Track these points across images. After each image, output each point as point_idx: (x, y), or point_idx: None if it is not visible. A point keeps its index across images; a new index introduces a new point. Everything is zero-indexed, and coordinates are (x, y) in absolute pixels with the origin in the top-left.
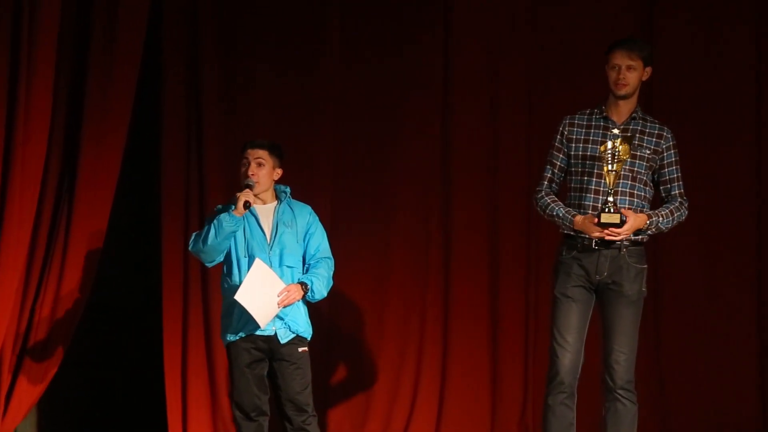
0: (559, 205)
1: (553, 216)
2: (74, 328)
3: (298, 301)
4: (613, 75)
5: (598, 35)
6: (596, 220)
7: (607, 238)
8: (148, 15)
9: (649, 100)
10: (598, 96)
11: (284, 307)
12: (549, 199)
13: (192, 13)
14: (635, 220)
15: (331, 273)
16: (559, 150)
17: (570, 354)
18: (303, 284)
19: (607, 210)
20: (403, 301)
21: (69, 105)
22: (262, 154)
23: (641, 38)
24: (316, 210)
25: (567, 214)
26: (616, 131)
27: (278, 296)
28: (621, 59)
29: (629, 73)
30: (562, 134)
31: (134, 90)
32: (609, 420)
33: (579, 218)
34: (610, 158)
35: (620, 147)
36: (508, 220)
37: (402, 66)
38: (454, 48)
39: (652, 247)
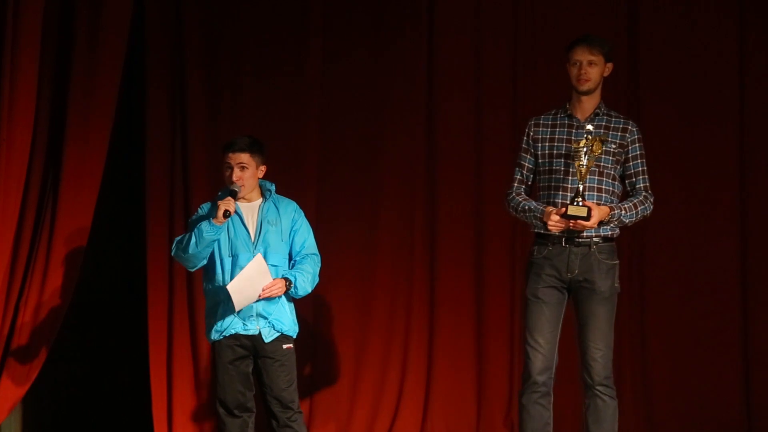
0: (530, 201)
1: (525, 211)
2: (59, 326)
3: (281, 296)
4: (574, 71)
5: (582, 27)
6: (564, 211)
7: (572, 227)
8: (132, 17)
9: (636, 84)
10: None
11: (264, 299)
12: (520, 198)
13: (175, 16)
14: (599, 212)
15: (317, 269)
16: (526, 152)
17: (541, 355)
18: (287, 280)
19: (576, 204)
20: (389, 297)
21: (52, 105)
22: (245, 157)
23: (627, 21)
24: (303, 207)
25: (539, 206)
26: (590, 127)
27: (263, 289)
28: (582, 55)
29: (591, 68)
30: (528, 136)
31: (117, 91)
32: (590, 417)
33: (550, 208)
34: (582, 154)
35: (594, 144)
36: (493, 215)
37: (385, 64)
38: (437, 44)
39: (638, 243)
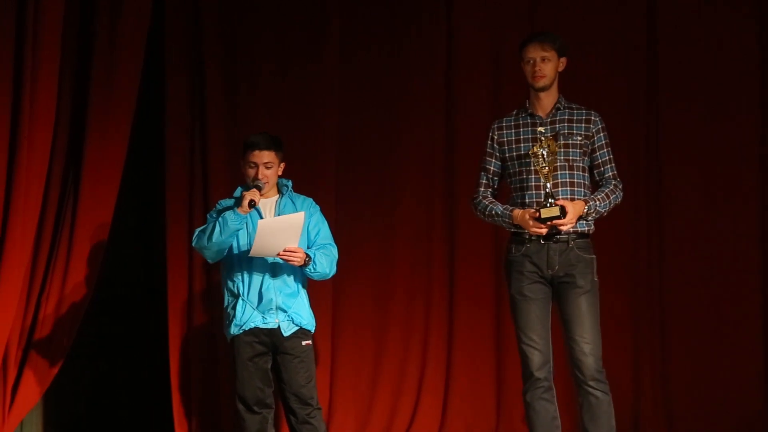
0: (497, 204)
1: (492, 216)
2: (79, 321)
3: (299, 289)
4: (528, 69)
5: (601, 19)
6: (537, 214)
7: (562, 229)
8: (151, 12)
9: (656, 80)
10: (601, 79)
11: (283, 292)
12: (486, 201)
13: (194, 11)
14: (574, 208)
15: (335, 259)
16: (491, 155)
17: (538, 351)
18: (306, 255)
19: (548, 205)
20: (408, 290)
21: (73, 99)
22: (269, 156)
23: (645, 21)
24: (320, 201)
25: (505, 211)
26: (541, 129)
27: (284, 250)
28: (534, 52)
29: (544, 64)
30: (492, 139)
31: (138, 84)
32: (585, 415)
33: (517, 212)
34: (540, 157)
35: (547, 144)
36: None
37: (404, 56)
38: (455, 37)
39: (657, 237)
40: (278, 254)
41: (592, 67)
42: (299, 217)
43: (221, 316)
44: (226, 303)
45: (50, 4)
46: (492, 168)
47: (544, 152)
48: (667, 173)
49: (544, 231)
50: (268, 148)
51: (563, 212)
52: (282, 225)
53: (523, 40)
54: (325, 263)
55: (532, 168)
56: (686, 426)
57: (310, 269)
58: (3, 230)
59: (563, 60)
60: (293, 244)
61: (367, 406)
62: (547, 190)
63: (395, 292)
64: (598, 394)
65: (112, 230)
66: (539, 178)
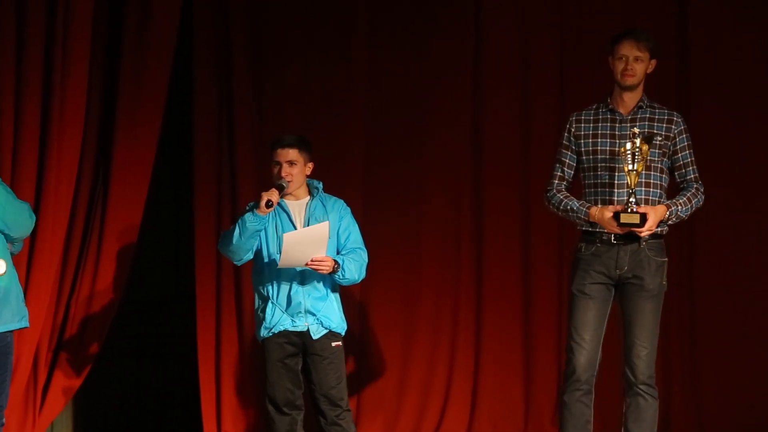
0: (572, 199)
1: (567, 211)
2: (109, 323)
3: (329, 293)
4: (620, 65)
5: (630, 18)
6: (614, 214)
7: (641, 235)
8: (180, 11)
9: (686, 83)
10: None
11: (313, 296)
12: (561, 195)
13: (222, 10)
14: (656, 214)
15: (364, 264)
16: (567, 148)
17: (586, 352)
18: (335, 262)
19: (629, 210)
20: (436, 291)
21: (103, 99)
22: (293, 153)
23: (676, 24)
24: (348, 201)
25: (581, 207)
26: (636, 130)
27: (312, 259)
28: (629, 50)
29: (636, 64)
30: (569, 132)
31: (167, 83)
32: (630, 415)
33: (594, 210)
34: (630, 158)
35: (641, 146)
36: (540, 209)
37: (431, 55)
38: (483, 36)
39: (688, 241)
40: (306, 264)
41: None
42: (324, 227)
43: (250, 317)
44: (256, 306)
45: (80, 3)
46: (567, 161)
47: (634, 153)
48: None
49: (622, 232)
50: (291, 146)
51: (643, 221)
52: (308, 236)
53: (618, 35)
54: (354, 269)
55: (608, 165)
56: (717, 428)
57: (338, 276)
58: (33, 232)
59: (654, 62)
60: (321, 254)
61: (395, 408)
62: (631, 194)
63: (423, 292)
64: (648, 397)
65: (141, 228)
66: (614, 176)
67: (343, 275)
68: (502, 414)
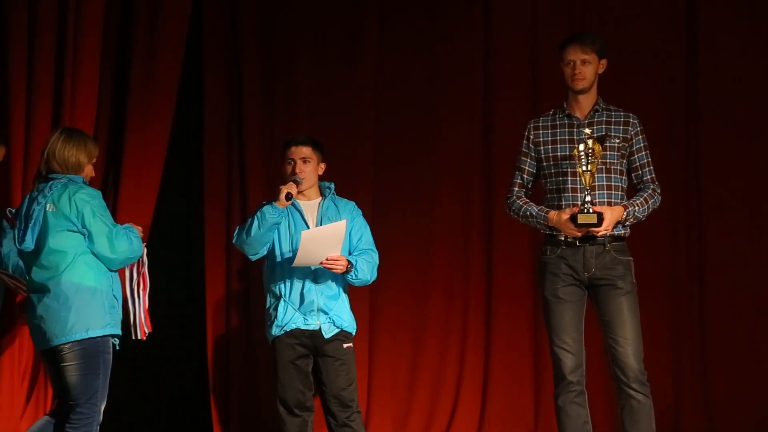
0: (532, 205)
1: (527, 217)
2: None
3: (340, 292)
4: (568, 71)
5: (641, 21)
6: (574, 217)
7: (597, 235)
8: (191, 10)
9: (695, 89)
10: (640, 84)
11: (325, 294)
12: (521, 201)
13: (232, 9)
14: (612, 214)
15: (376, 265)
16: (526, 155)
17: (571, 354)
18: (348, 262)
19: (585, 211)
20: (445, 291)
21: (113, 97)
22: (307, 151)
23: (686, 28)
24: (358, 202)
25: (540, 212)
26: (587, 131)
27: (327, 258)
28: (575, 54)
29: (585, 67)
30: (528, 139)
31: (178, 81)
32: (626, 417)
33: (553, 214)
34: (584, 159)
35: (593, 147)
36: None
37: (441, 58)
38: (493, 39)
39: (697, 246)
40: (321, 263)
41: (631, 74)
42: (341, 225)
43: (260, 318)
44: (267, 304)
45: (91, 4)
46: (527, 168)
47: (587, 154)
48: (707, 180)
49: (580, 234)
50: (305, 144)
51: (600, 220)
52: (325, 234)
53: (563, 41)
54: (367, 270)
55: (569, 170)
56: (727, 428)
57: (351, 276)
58: None
59: (603, 62)
60: (335, 253)
61: (404, 409)
62: (586, 194)
63: (432, 293)
64: (640, 397)
65: (151, 227)
66: (576, 180)
67: (356, 275)
68: (512, 415)
